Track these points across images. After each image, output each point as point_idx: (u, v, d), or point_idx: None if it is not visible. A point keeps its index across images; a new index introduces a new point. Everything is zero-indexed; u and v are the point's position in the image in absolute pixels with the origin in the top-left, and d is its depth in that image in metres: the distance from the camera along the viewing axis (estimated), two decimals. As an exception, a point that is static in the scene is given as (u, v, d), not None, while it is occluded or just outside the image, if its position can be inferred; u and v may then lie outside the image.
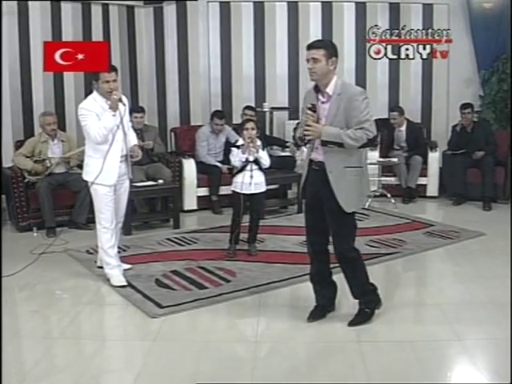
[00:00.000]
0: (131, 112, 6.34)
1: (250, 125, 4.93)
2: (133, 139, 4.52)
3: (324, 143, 3.35)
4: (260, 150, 4.93)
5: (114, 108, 4.17)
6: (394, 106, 7.48)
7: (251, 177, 4.89)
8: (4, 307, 3.71)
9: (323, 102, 3.42)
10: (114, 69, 4.32)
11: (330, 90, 3.39)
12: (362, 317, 3.62)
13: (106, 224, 4.31)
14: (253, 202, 4.99)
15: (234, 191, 5.02)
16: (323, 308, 3.72)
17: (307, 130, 3.35)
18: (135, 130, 6.24)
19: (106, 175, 4.23)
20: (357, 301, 3.68)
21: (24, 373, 3.09)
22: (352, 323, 3.59)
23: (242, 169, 4.92)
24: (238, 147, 4.96)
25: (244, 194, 4.92)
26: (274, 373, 3.10)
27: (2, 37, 6.06)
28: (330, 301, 3.76)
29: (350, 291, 3.67)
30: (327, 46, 3.41)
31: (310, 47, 3.39)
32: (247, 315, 3.89)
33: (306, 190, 3.59)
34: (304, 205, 3.70)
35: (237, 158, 4.92)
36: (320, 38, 7.49)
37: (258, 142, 4.96)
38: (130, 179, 4.58)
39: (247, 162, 4.90)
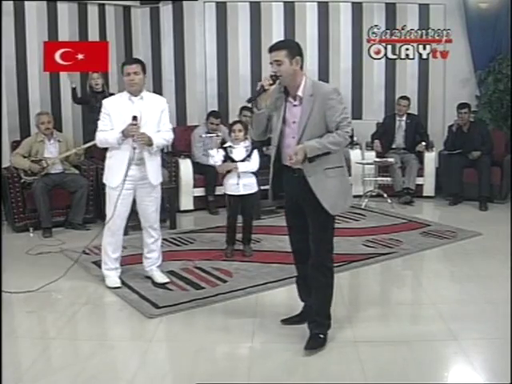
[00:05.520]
0: None
1: (236, 126, 4.89)
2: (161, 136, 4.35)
3: (312, 159, 3.12)
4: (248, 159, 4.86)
5: (126, 136, 4.08)
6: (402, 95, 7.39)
7: (238, 177, 4.85)
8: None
9: (295, 105, 3.21)
10: (137, 61, 4.23)
11: (300, 92, 3.18)
12: (317, 342, 3.30)
13: (110, 225, 4.25)
14: (244, 203, 4.93)
15: (225, 194, 5.00)
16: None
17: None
18: None
19: (110, 176, 4.23)
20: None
21: (21, 373, 3.09)
22: (308, 347, 3.27)
23: (230, 170, 4.88)
24: (225, 149, 4.92)
25: (234, 196, 4.90)
26: (270, 373, 3.10)
27: (1, 37, 6.04)
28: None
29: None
30: (288, 45, 3.21)
31: (271, 49, 3.17)
32: (244, 315, 3.88)
33: (276, 191, 3.39)
34: (285, 205, 3.47)
35: (217, 158, 4.88)
36: (316, 37, 7.56)
37: (247, 143, 4.92)
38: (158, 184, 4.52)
39: (233, 162, 4.86)
